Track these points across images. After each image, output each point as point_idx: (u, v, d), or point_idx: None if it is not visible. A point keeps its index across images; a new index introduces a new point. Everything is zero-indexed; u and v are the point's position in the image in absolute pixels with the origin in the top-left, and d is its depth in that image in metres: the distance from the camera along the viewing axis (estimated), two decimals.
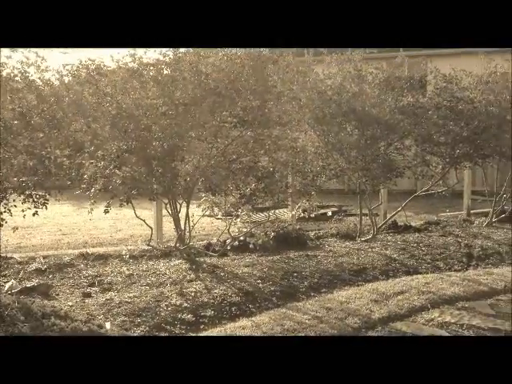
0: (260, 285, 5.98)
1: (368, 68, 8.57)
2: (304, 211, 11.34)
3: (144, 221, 6.57)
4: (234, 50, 6.35)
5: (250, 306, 5.41)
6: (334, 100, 7.89)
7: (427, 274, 6.78)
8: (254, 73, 6.17)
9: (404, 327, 4.92)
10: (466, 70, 9.02)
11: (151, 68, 6.12)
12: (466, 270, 7.06)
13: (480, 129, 8.08)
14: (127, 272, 6.34)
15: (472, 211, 11.20)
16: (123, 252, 7.12)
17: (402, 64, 8.49)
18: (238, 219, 7.47)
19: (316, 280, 6.32)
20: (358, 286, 6.23)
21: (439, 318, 5.13)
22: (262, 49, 6.43)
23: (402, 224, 9.52)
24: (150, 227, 6.90)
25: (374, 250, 7.81)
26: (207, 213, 7.37)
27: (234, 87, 6.08)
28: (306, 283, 6.20)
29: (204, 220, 8.55)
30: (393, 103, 8.17)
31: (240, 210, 6.96)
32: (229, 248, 7.39)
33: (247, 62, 6.14)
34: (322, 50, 8.61)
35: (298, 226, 9.14)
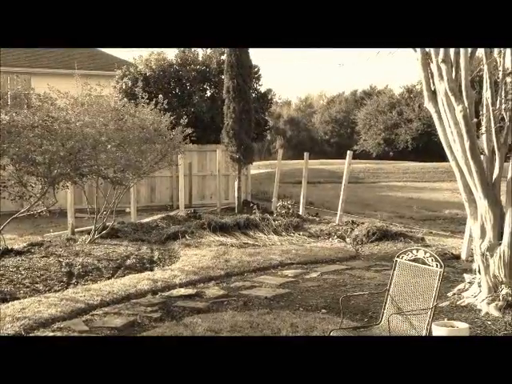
0: None
1: None
2: None
3: None
4: None
5: None
6: None
7: (25, 298, 6.53)
8: None
9: None
10: (60, 91, 9.15)
11: None
12: (66, 289, 7.10)
13: (76, 149, 8.30)
14: None
15: (77, 229, 11.41)
16: None
17: None
18: None
19: None
20: None
21: None
22: None
23: (2, 248, 8.94)
24: None
25: None
26: None
27: None
28: None
29: None
30: None
31: None
32: None
33: None
34: None
35: None
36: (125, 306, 6.35)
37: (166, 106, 11.09)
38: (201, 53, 19.44)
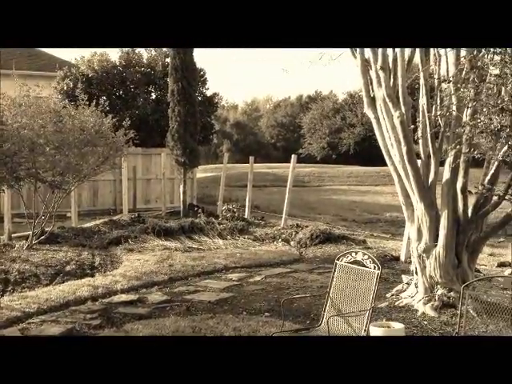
0: None
1: None
2: None
3: None
4: None
5: None
6: None
7: None
8: None
9: None
10: None
11: None
12: (1, 296, 6.83)
13: (12, 151, 8.01)
14: None
15: (15, 235, 11.00)
16: None
17: None
18: None
19: None
20: None
21: None
22: None
23: None
24: None
25: None
26: None
27: None
28: None
29: None
30: None
31: None
32: None
33: None
34: None
35: None
36: (63, 313, 6.17)
37: (108, 108, 10.85)
38: (145, 55, 19.18)
